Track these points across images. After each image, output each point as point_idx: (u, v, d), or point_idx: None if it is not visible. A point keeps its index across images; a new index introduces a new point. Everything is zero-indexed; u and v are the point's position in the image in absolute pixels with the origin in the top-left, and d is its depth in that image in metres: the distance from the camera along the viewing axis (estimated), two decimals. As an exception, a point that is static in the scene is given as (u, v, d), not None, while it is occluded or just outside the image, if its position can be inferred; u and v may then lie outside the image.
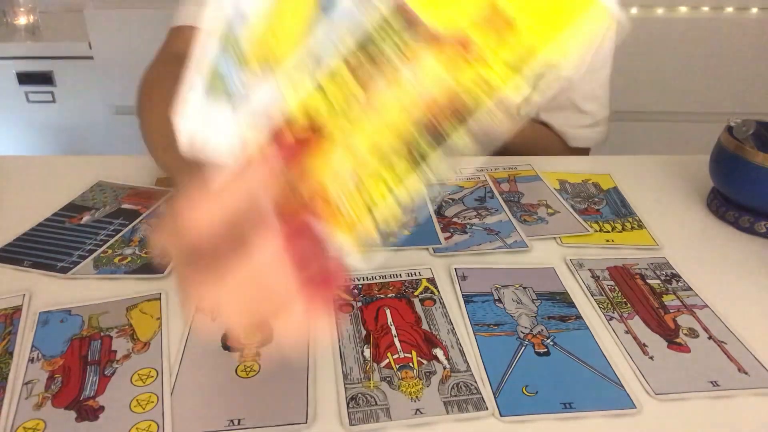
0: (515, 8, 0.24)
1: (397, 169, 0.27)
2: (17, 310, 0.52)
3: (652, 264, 0.63)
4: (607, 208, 0.73)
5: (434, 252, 0.63)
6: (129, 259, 0.59)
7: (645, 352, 0.51)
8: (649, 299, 0.58)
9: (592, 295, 0.58)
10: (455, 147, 0.27)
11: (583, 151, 1.01)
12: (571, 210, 0.71)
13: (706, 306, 0.57)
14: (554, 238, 0.66)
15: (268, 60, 0.25)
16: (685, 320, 0.55)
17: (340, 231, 0.29)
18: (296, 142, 0.25)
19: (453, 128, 0.26)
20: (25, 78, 1.62)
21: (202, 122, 0.26)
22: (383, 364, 0.48)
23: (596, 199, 0.75)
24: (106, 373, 0.46)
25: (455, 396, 0.45)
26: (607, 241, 0.66)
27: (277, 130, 0.25)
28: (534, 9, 0.24)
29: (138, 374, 0.46)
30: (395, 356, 0.49)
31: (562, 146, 0.99)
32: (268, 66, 0.25)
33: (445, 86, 0.25)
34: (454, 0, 0.24)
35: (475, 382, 0.47)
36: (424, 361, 0.48)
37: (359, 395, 0.45)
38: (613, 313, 0.55)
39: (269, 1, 0.24)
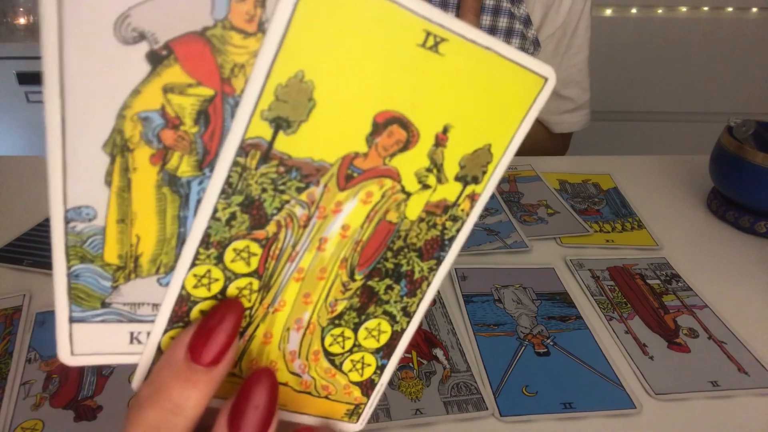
0: (427, 113, 0.21)
1: (354, 321, 0.24)
2: (17, 310, 0.52)
3: (652, 264, 0.62)
4: (607, 208, 0.73)
5: (434, 252, 0.63)
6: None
7: (645, 352, 0.51)
8: (649, 299, 0.57)
9: (592, 295, 0.57)
10: (407, 272, 0.24)
11: (567, 137, 1.01)
12: (571, 210, 0.71)
13: (706, 306, 0.57)
14: (554, 238, 0.66)
15: (137, 251, 0.21)
16: (685, 320, 0.55)
17: (315, 409, 0.25)
18: (214, 325, 0.21)
19: (401, 260, 0.24)
20: (25, 78, 1.62)
21: (93, 341, 0.22)
22: (383, 364, 0.48)
23: (596, 200, 0.75)
24: (104, 373, 0.46)
25: (455, 396, 0.45)
26: (607, 241, 0.66)
27: (183, 315, 0.22)
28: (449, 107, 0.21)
29: (137, 374, 0.46)
30: (395, 356, 0.49)
31: (545, 133, 0.99)
32: (137, 257, 0.21)
33: (378, 224, 0.23)
34: (334, 125, 0.20)
35: (475, 382, 0.46)
36: (424, 361, 0.48)
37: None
38: (613, 313, 0.55)
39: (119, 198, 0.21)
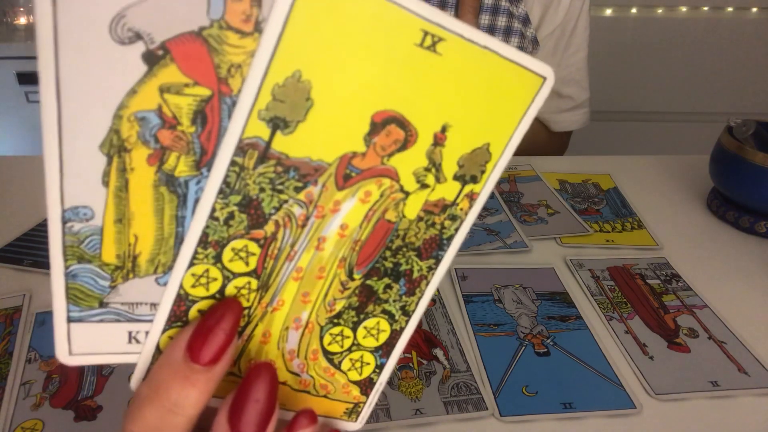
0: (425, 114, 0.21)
1: (353, 320, 0.24)
2: (17, 310, 0.52)
3: (652, 264, 0.62)
4: (607, 208, 0.73)
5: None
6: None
7: (645, 352, 0.51)
8: (649, 299, 0.57)
9: (592, 295, 0.57)
10: (406, 272, 0.24)
11: (567, 135, 1.01)
12: (571, 210, 0.71)
13: (706, 306, 0.57)
14: (554, 238, 0.66)
15: (136, 250, 0.21)
16: (685, 320, 0.55)
17: (314, 408, 0.25)
18: (213, 324, 0.21)
19: (400, 259, 0.24)
20: (25, 78, 1.62)
21: (91, 342, 0.22)
22: (383, 364, 0.48)
23: (596, 199, 0.75)
24: (104, 373, 0.46)
25: (455, 396, 0.45)
26: (607, 241, 0.66)
27: (181, 314, 0.22)
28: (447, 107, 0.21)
29: (137, 374, 0.46)
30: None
31: (544, 132, 0.99)
32: (134, 257, 0.21)
33: (377, 223, 0.23)
34: (332, 124, 0.20)
35: (475, 382, 0.46)
36: (424, 362, 0.48)
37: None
38: (613, 313, 0.55)
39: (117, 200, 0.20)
